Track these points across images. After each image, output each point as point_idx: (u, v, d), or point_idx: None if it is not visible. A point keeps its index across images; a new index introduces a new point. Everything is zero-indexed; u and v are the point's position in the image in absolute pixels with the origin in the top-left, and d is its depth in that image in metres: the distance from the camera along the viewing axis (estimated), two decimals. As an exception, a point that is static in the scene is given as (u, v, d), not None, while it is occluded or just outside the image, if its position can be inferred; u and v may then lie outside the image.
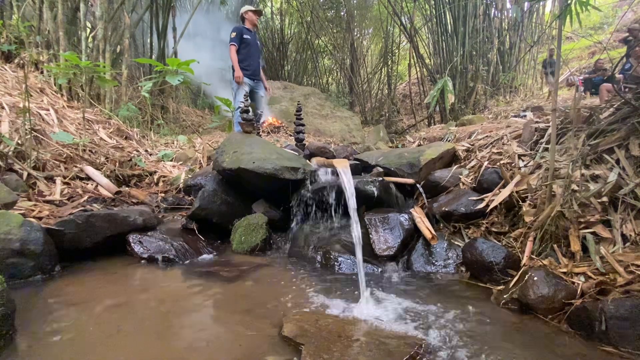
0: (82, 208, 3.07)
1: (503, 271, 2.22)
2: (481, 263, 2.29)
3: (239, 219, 3.11)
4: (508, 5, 9.99)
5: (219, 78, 10.39)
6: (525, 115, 4.89)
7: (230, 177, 3.26)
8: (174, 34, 8.24)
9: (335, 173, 3.15)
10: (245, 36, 4.67)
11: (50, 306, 1.87)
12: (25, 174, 3.25)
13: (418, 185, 3.31)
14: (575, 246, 2.09)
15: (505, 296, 2.01)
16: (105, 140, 4.66)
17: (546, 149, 2.87)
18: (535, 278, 1.90)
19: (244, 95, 4.73)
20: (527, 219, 2.40)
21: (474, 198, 2.84)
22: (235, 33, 4.71)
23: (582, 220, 2.15)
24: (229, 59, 5.00)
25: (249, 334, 1.66)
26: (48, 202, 3.08)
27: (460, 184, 3.16)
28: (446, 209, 2.83)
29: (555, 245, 2.19)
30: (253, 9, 4.97)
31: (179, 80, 4.08)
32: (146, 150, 5.10)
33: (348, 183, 2.78)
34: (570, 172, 2.31)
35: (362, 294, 2.06)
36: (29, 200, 2.97)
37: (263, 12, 5.10)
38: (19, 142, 3.51)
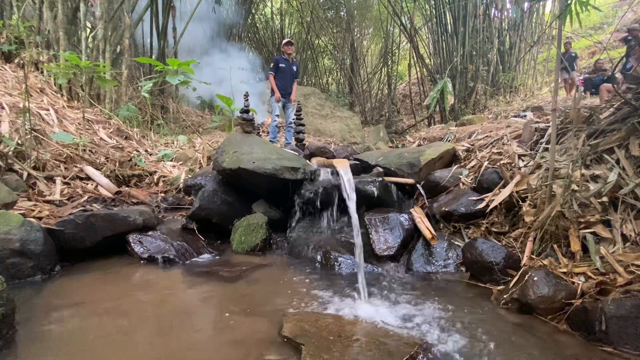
0: (82, 208, 3.07)
1: (503, 271, 2.22)
2: (481, 263, 2.29)
3: (239, 219, 3.11)
4: (508, 5, 9.99)
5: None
6: (525, 115, 4.89)
7: (230, 177, 3.25)
8: (174, 34, 8.23)
9: (335, 173, 3.15)
10: (280, 65, 5.80)
11: (50, 306, 1.87)
12: (25, 174, 3.25)
13: (418, 185, 3.31)
14: (575, 246, 2.09)
15: (505, 296, 2.01)
16: (105, 140, 4.66)
17: (546, 149, 2.86)
18: (535, 278, 1.90)
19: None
20: (527, 219, 2.40)
21: (474, 198, 2.84)
22: (273, 64, 5.90)
23: (582, 220, 2.15)
24: None
25: (249, 334, 1.66)
26: (48, 202, 3.08)
27: (460, 184, 3.16)
28: (446, 209, 2.83)
29: (555, 245, 2.19)
30: (285, 41, 5.95)
31: (179, 80, 4.10)
32: (146, 150, 5.10)
33: (348, 183, 2.79)
34: (570, 172, 2.31)
35: (362, 294, 2.06)
36: (29, 200, 2.97)
37: (292, 42, 6.00)
38: (19, 142, 3.51)
